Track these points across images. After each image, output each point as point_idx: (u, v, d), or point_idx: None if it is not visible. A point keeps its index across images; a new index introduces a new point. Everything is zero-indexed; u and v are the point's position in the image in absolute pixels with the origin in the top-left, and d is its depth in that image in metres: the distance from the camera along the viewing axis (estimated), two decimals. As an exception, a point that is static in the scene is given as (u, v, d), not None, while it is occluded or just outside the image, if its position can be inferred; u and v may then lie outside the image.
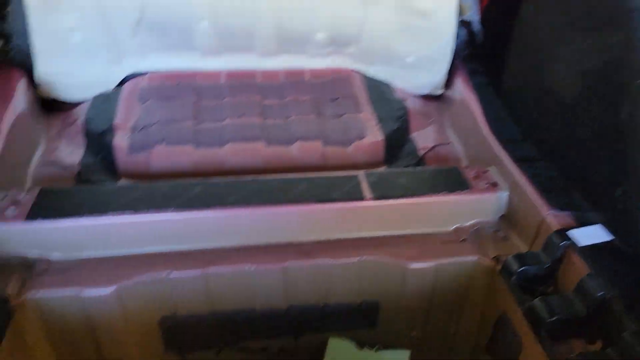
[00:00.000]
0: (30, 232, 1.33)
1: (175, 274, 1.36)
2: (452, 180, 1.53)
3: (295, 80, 2.05)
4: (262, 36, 1.99)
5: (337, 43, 2.05)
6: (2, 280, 1.27)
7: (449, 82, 2.03)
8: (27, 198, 1.40)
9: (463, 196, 1.48)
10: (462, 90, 1.90)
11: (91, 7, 1.80)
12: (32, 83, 1.88)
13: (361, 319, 1.53)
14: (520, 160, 1.49)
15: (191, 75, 2.00)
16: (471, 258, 1.41)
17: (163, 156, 1.66)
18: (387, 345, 1.53)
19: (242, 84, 2.00)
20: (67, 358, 1.40)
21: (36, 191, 1.42)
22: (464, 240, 1.46)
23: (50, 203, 1.38)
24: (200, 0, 1.86)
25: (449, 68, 2.00)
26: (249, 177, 1.54)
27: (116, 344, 1.40)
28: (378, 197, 1.45)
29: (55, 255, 1.35)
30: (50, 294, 1.28)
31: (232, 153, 1.68)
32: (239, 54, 2.04)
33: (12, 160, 1.56)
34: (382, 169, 1.71)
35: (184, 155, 1.66)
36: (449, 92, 2.02)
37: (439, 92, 2.05)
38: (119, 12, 1.83)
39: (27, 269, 1.32)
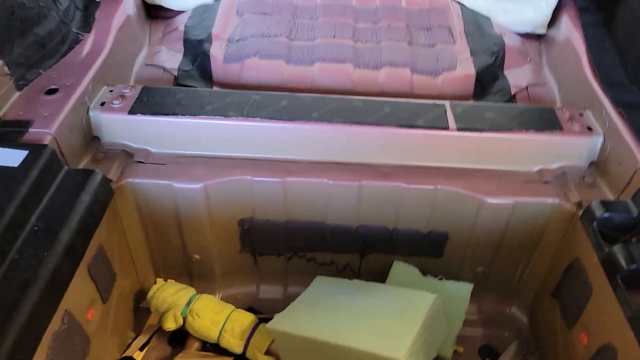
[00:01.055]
0: (132, 124, 1.45)
1: (257, 179, 1.43)
2: (543, 119, 1.46)
3: (390, 6, 2.00)
4: (361, -42, 1.94)
5: (439, -30, 1.96)
6: (107, 164, 1.41)
7: (553, 20, 1.89)
8: (131, 94, 1.51)
9: (552, 136, 1.42)
10: (568, 28, 1.77)
11: None
12: (140, -11, 1.97)
13: (428, 247, 1.55)
14: (622, 106, 1.39)
15: (288, -8, 2.01)
16: (552, 200, 1.37)
17: (255, 68, 1.71)
18: (450, 277, 1.55)
19: (337, 5, 1.98)
20: (154, 243, 1.55)
21: (139, 89, 1.53)
22: (547, 182, 1.42)
23: (150, 100, 1.49)
24: None
25: (555, 4, 1.85)
26: (335, 96, 1.56)
27: (198, 237, 1.53)
28: (463, 128, 1.42)
29: (153, 148, 1.47)
30: (146, 182, 1.40)
31: (321, 72, 1.70)
32: (336, -25, 2.01)
33: (119, 58, 1.67)
34: (470, 102, 1.66)
35: (275, 69, 1.71)
36: (552, 31, 1.88)
37: (542, 31, 1.92)
38: None
39: (128, 157, 1.45)
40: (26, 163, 1.16)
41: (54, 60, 1.49)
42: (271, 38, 1.81)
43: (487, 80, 1.74)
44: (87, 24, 1.65)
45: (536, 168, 1.46)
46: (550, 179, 1.43)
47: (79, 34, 1.60)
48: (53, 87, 1.41)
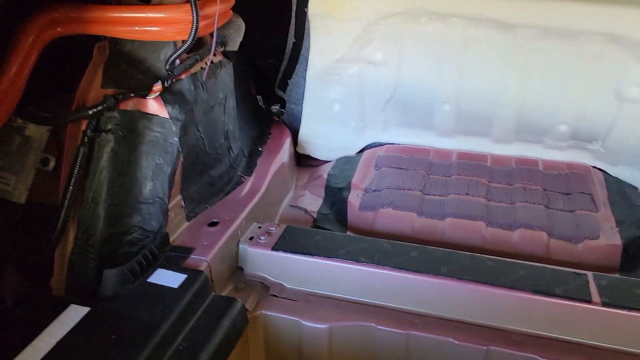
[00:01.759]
0: (273, 259, 1.60)
1: (381, 328, 1.45)
2: None
3: (526, 169, 2.04)
4: (500, 123, 2.06)
5: (580, 138, 1.99)
6: (246, 294, 1.54)
7: None
8: (276, 231, 1.68)
9: None
10: None
11: (354, 85, 2.12)
12: (294, 141, 2.27)
13: None
14: None
15: (425, 151, 2.17)
16: None
17: (388, 218, 1.82)
18: None
19: (472, 165, 2.08)
20: (275, 377, 1.59)
21: (283, 227, 1.70)
22: None
23: (292, 239, 1.64)
24: (447, 86, 2.04)
25: None
26: (465, 253, 1.57)
27: (317, 376, 1.54)
28: (608, 304, 1.33)
29: (288, 283, 1.58)
30: (277, 315, 1.49)
31: (452, 227, 1.75)
32: (473, 138, 2.14)
33: (270, 199, 1.90)
34: (616, 275, 1.56)
35: (407, 221, 1.79)
36: None
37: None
38: (375, 91, 2.12)
39: (265, 290, 1.57)
40: (184, 286, 1.32)
41: (219, 197, 1.75)
42: (405, 191, 1.93)
43: (635, 253, 1.63)
44: (249, 169, 1.93)
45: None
46: None
47: (242, 176, 1.87)
48: (214, 220, 1.63)
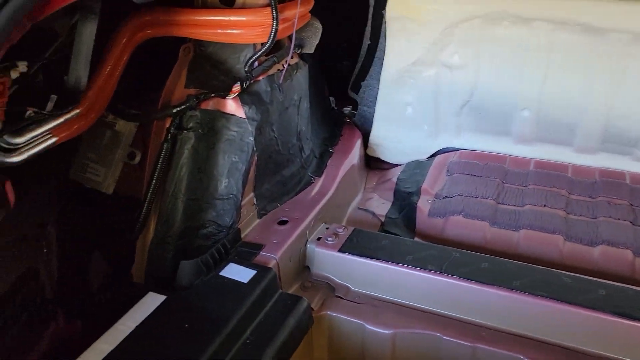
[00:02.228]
0: (339, 261, 1.61)
1: (446, 339, 1.42)
2: None
3: (612, 181, 1.92)
4: (584, 132, 1.95)
5: (674, 151, 1.84)
6: (311, 293, 1.56)
7: None
8: (343, 233, 1.69)
9: None
10: None
11: (429, 88, 2.09)
12: (364, 143, 2.27)
13: None
14: None
15: (500, 158, 2.09)
16: None
17: (458, 226, 1.77)
18: None
19: (550, 175, 1.98)
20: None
21: (350, 230, 1.71)
22: None
23: (359, 242, 1.64)
24: (528, 90, 1.96)
25: None
26: (540, 267, 1.51)
27: (379, 381, 1.54)
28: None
29: (353, 286, 1.59)
30: (341, 317, 1.50)
31: (526, 239, 1.68)
32: (554, 146, 2.04)
33: (339, 200, 1.91)
34: None
35: (478, 230, 1.74)
36: None
37: None
38: (451, 94, 2.07)
39: (330, 291, 1.59)
40: (253, 281, 1.37)
41: (289, 196, 1.78)
42: (478, 199, 1.87)
43: None
44: (319, 169, 1.95)
45: None
46: None
47: (312, 177, 1.90)
48: (284, 219, 1.67)
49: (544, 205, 1.81)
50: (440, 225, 1.81)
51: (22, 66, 1.05)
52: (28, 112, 1.12)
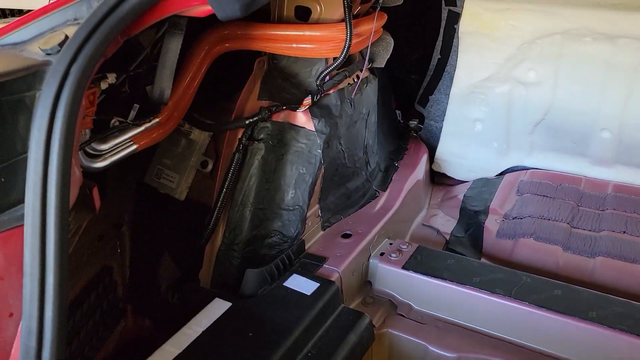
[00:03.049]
0: (403, 278, 1.58)
1: (513, 368, 1.36)
2: None
3: (701, 209, 1.78)
4: (671, 156, 1.82)
5: None
6: (373, 309, 1.54)
7: None
8: (407, 249, 1.66)
9: None
10: None
11: (501, 105, 2.03)
12: (430, 158, 2.23)
13: None
14: None
15: (575, 179, 1.99)
16: None
17: (529, 248, 1.70)
18: None
19: (631, 199, 1.86)
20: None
21: (415, 246, 1.68)
22: None
23: (423, 260, 1.61)
24: (609, 111, 1.86)
25: None
26: (620, 299, 1.41)
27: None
28: None
29: (416, 304, 1.55)
30: (403, 336, 1.47)
31: (604, 267, 1.58)
32: (635, 169, 1.92)
33: (403, 216, 1.88)
34: None
35: (550, 255, 1.66)
36: None
37: None
38: (524, 112, 2.00)
39: (392, 308, 1.56)
40: (316, 294, 1.37)
41: (354, 210, 1.78)
42: (550, 221, 1.79)
43: None
44: (384, 184, 1.93)
45: None
46: None
47: (377, 191, 1.89)
48: (348, 232, 1.66)
49: (624, 232, 1.70)
50: (509, 247, 1.74)
51: (111, 78, 1.12)
52: (113, 121, 1.19)
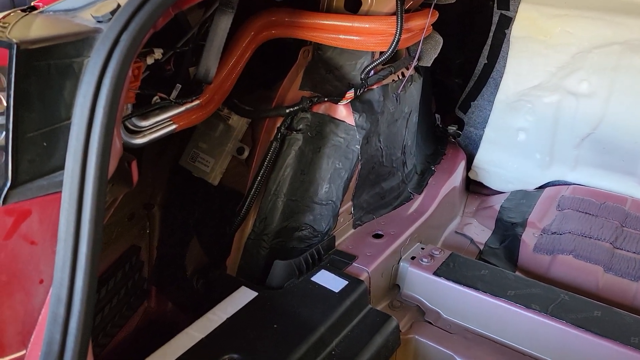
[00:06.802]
0: (433, 285, 1.52)
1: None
2: None
3: None
4: None
5: None
6: (400, 313, 1.50)
7: None
8: (439, 256, 1.61)
9: None
10: None
11: (548, 115, 1.95)
12: (467, 165, 2.17)
13: None
14: None
15: (620, 199, 1.90)
16: None
17: (567, 266, 1.63)
18: None
19: (681, 224, 1.77)
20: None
21: (447, 253, 1.62)
22: None
23: (455, 268, 1.55)
24: (666, 128, 1.77)
25: None
26: (665, 327, 1.33)
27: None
28: None
29: (445, 313, 1.50)
30: (430, 344, 1.41)
31: (648, 293, 1.50)
32: (689, 194, 1.82)
33: (436, 221, 1.83)
34: None
35: (590, 274, 1.59)
36: None
37: None
38: (572, 125, 1.92)
39: (420, 314, 1.51)
40: (344, 292, 1.33)
41: (387, 210, 1.73)
42: (592, 240, 1.71)
43: None
44: (419, 187, 1.88)
45: None
46: None
47: (411, 193, 1.84)
48: (379, 232, 1.62)
49: (671, 257, 1.61)
50: (546, 262, 1.67)
51: (158, 53, 1.10)
52: (155, 98, 1.17)
